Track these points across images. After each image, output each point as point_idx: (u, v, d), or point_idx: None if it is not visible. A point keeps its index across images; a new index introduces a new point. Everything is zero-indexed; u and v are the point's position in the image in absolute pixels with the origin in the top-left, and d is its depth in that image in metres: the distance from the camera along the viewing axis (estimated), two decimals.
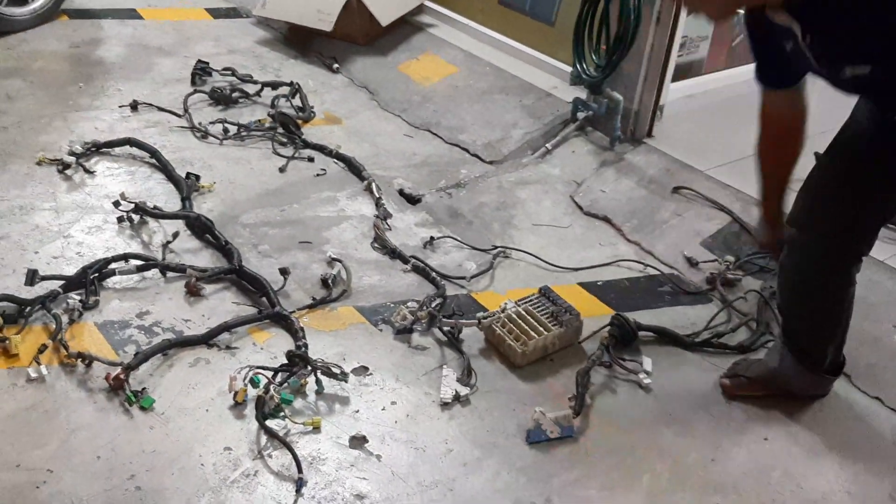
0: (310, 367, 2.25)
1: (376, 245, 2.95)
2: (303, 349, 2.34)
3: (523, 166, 3.54)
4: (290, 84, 3.89)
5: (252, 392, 2.18)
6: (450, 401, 2.29)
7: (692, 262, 2.94)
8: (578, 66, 3.56)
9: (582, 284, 2.87)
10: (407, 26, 4.53)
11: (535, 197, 3.35)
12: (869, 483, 2.18)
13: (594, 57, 3.52)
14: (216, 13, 4.81)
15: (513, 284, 2.84)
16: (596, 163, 3.52)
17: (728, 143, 3.64)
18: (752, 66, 4.37)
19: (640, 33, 3.35)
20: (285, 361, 2.30)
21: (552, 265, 2.94)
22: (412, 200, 3.25)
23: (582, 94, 3.66)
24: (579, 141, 3.66)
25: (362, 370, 2.36)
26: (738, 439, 2.27)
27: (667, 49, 3.39)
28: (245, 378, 2.20)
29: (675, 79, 3.88)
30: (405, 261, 2.86)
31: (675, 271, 2.95)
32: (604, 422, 2.29)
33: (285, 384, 2.21)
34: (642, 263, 2.97)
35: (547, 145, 3.61)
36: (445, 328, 2.52)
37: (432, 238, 2.98)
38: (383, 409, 2.25)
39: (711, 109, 3.97)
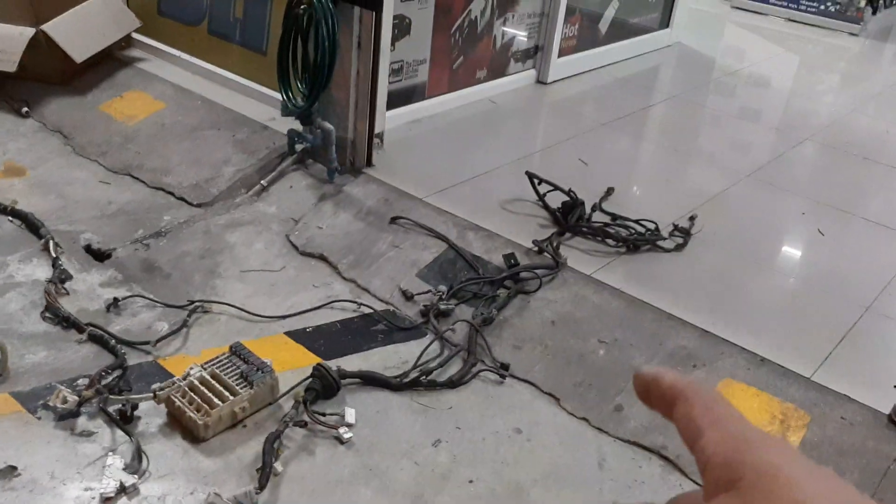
0: None
1: (48, 315, 2.56)
2: None
3: (236, 207, 3.28)
4: None
5: None
6: (113, 494, 1.96)
7: (407, 296, 2.81)
8: (285, 96, 3.36)
9: (289, 333, 2.65)
10: (113, 62, 4.12)
11: (247, 240, 3.09)
12: None
13: (300, 86, 3.33)
14: None
15: (210, 343, 2.56)
16: (315, 197, 3.32)
17: (448, 167, 3.60)
18: (474, 89, 4.42)
19: (341, 59, 3.19)
20: None
21: (257, 315, 2.69)
22: (100, 257, 2.88)
23: (298, 125, 3.46)
24: (298, 175, 3.45)
25: (9, 471, 1.98)
26: (442, 486, 2.13)
27: (372, 74, 3.27)
28: None
29: (395, 105, 3.79)
30: (80, 330, 2.49)
31: (390, 307, 2.80)
32: (296, 490, 2.07)
33: None
34: (356, 302, 2.79)
35: (262, 182, 3.36)
36: (114, 407, 2.19)
37: (116, 299, 2.64)
38: None
39: (435, 134, 3.92)
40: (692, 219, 3.33)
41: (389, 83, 3.73)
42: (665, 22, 5.72)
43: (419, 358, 2.51)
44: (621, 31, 5.29)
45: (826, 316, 2.85)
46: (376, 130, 3.47)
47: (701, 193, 3.67)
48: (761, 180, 3.90)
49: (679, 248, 3.15)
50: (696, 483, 2.19)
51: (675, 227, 3.24)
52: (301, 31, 3.24)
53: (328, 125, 3.31)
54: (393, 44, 3.66)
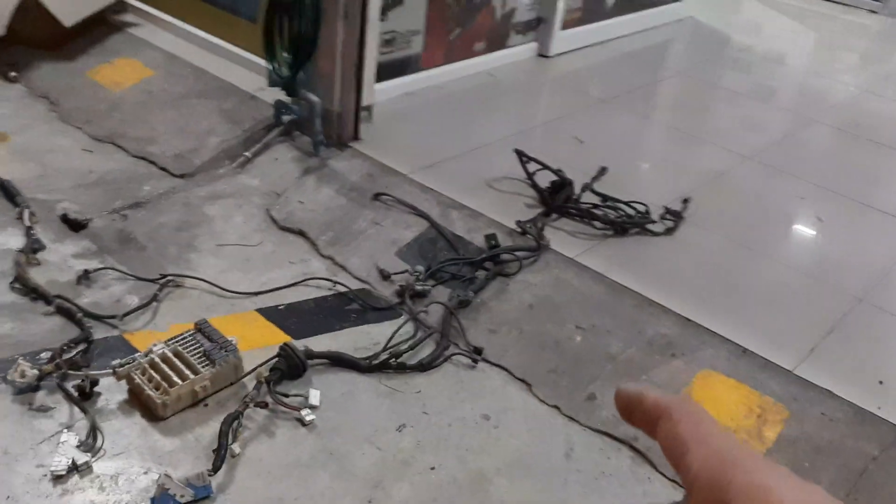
0: None
1: (16, 285, 2.52)
2: None
3: (218, 178, 3.22)
4: None
5: None
6: (64, 472, 1.93)
7: (384, 275, 2.74)
8: (270, 66, 3.28)
9: (261, 310, 2.60)
10: (105, 27, 4.06)
11: (226, 213, 3.03)
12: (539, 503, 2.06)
13: (286, 56, 3.25)
14: None
15: (179, 319, 2.51)
16: (299, 171, 3.26)
17: (438, 142, 3.52)
18: (472, 61, 4.30)
19: (327, 30, 3.11)
20: None
21: (229, 291, 2.64)
22: (75, 227, 2.84)
23: (285, 95, 3.38)
24: (284, 147, 3.38)
25: None
26: (403, 472, 2.08)
27: (359, 45, 3.18)
28: None
29: (387, 77, 3.71)
30: (48, 301, 2.46)
31: (366, 286, 2.74)
32: (253, 472, 2.03)
33: None
34: (331, 280, 2.73)
35: (246, 153, 3.30)
36: (73, 382, 2.15)
37: (87, 271, 2.59)
38: None
39: (428, 107, 3.83)
40: (685, 201, 3.23)
41: (381, 54, 3.64)
42: None
43: (390, 339, 2.46)
44: (630, 3, 5.14)
45: (816, 306, 2.75)
46: (364, 103, 3.39)
47: (699, 175, 3.57)
48: (763, 162, 3.78)
49: (669, 231, 3.06)
50: (666, 476, 2.13)
51: (667, 210, 3.14)
52: (287, 0, 3.15)
53: (313, 97, 3.24)
54: (384, 13, 3.56)
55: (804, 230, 3.34)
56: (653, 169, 3.77)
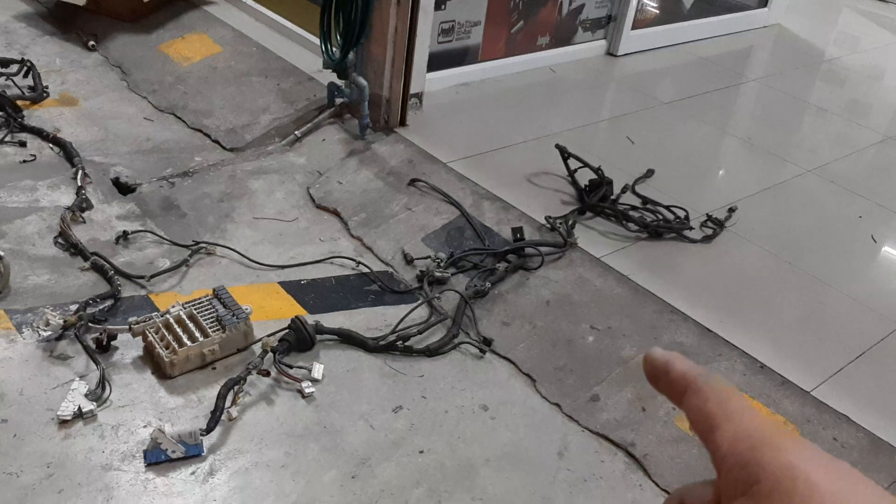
0: None
1: (59, 240, 2.67)
2: None
3: (267, 154, 3.31)
4: (21, 62, 3.56)
5: None
6: (69, 418, 2.04)
7: (408, 259, 2.77)
8: (324, 48, 3.35)
9: (283, 283, 2.67)
10: (182, 3, 4.23)
11: (268, 188, 3.12)
12: (521, 499, 2.05)
13: (339, 39, 3.31)
14: None
15: (205, 284, 2.61)
16: (344, 152, 3.32)
17: (485, 134, 3.51)
18: (533, 56, 4.28)
19: (380, 15, 3.15)
20: None
21: (256, 263, 2.72)
22: (125, 190, 2.98)
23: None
24: (333, 129, 3.45)
25: None
26: (391, 453, 2.11)
27: (410, 32, 3.21)
28: None
29: (443, 66, 3.73)
30: (85, 258, 2.59)
31: (389, 268, 2.77)
32: (246, 437, 2.09)
33: None
34: (355, 261, 2.78)
35: (296, 132, 3.39)
36: (92, 335, 2.27)
37: (126, 232, 2.72)
38: None
39: (483, 99, 3.83)
40: (731, 210, 3.13)
41: (438, 43, 3.67)
42: (763, 0, 5.36)
43: (400, 321, 2.48)
44: (710, 6, 5.00)
45: (850, 328, 2.62)
46: (413, 90, 3.42)
47: (754, 185, 3.45)
48: (827, 178, 3.62)
49: (707, 239, 2.97)
50: (658, 485, 2.08)
51: (709, 218, 3.05)
52: None
53: (362, 81, 3.29)
54: (444, 2, 3.59)
55: (855, 250, 3.17)
56: (706, 176, 3.66)
